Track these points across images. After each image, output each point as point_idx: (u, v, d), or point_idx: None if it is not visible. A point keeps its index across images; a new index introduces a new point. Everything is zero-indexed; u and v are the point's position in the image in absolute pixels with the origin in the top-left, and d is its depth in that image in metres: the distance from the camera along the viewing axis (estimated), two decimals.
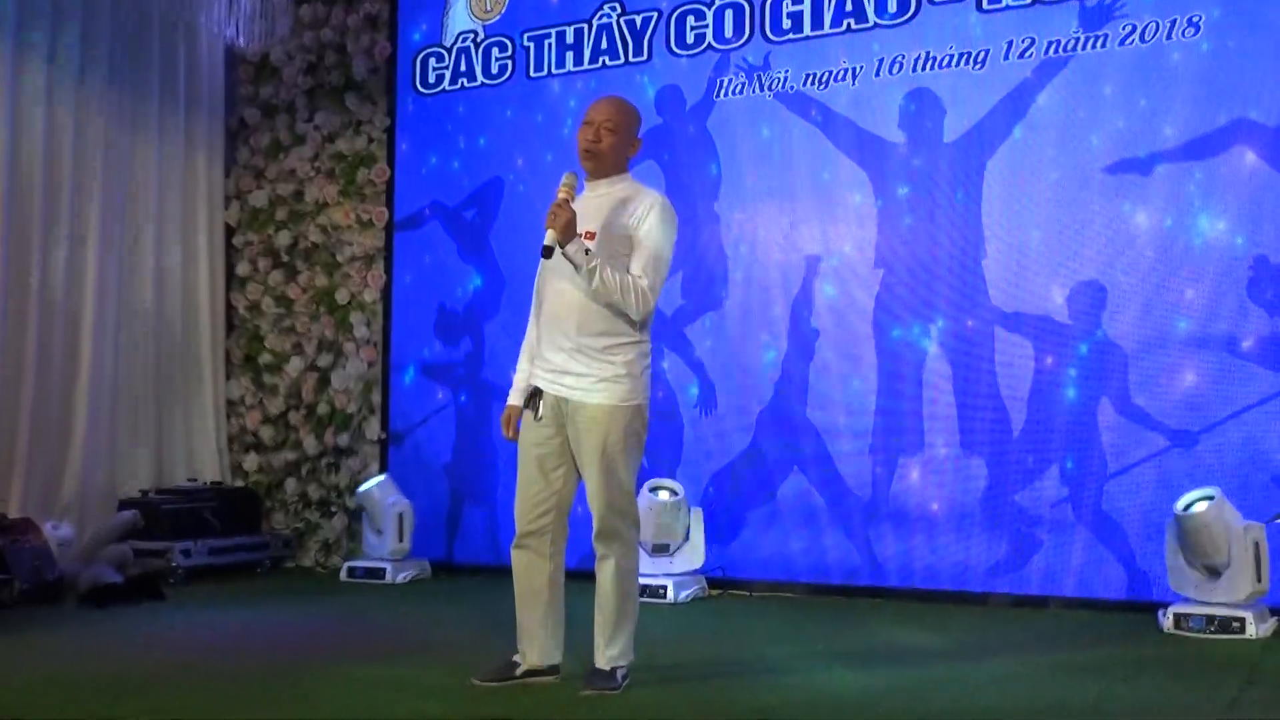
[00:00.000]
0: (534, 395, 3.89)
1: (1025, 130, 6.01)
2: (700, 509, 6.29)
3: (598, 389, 3.78)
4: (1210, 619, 4.96)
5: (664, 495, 6.08)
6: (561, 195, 3.74)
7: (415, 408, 7.45)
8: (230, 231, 7.96)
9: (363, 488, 6.89)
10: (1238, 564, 4.98)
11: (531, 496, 3.88)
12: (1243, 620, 4.91)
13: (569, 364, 3.80)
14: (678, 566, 6.14)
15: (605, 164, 3.88)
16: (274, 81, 7.89)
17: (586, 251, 3.71)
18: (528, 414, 3.90)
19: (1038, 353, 5.91)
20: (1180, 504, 5.09)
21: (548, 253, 3.71)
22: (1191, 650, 4.68)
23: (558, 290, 3.85)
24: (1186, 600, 5.09)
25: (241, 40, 7.47)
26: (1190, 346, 5.62)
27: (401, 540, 6.78)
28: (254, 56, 7.92)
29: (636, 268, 3.80)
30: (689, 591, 6.06)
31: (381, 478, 6.96)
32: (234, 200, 7.95)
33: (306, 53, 7.80)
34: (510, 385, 4.04)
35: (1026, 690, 3.94)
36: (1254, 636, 4.87)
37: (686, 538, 6.20)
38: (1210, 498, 5.05)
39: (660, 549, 6.13)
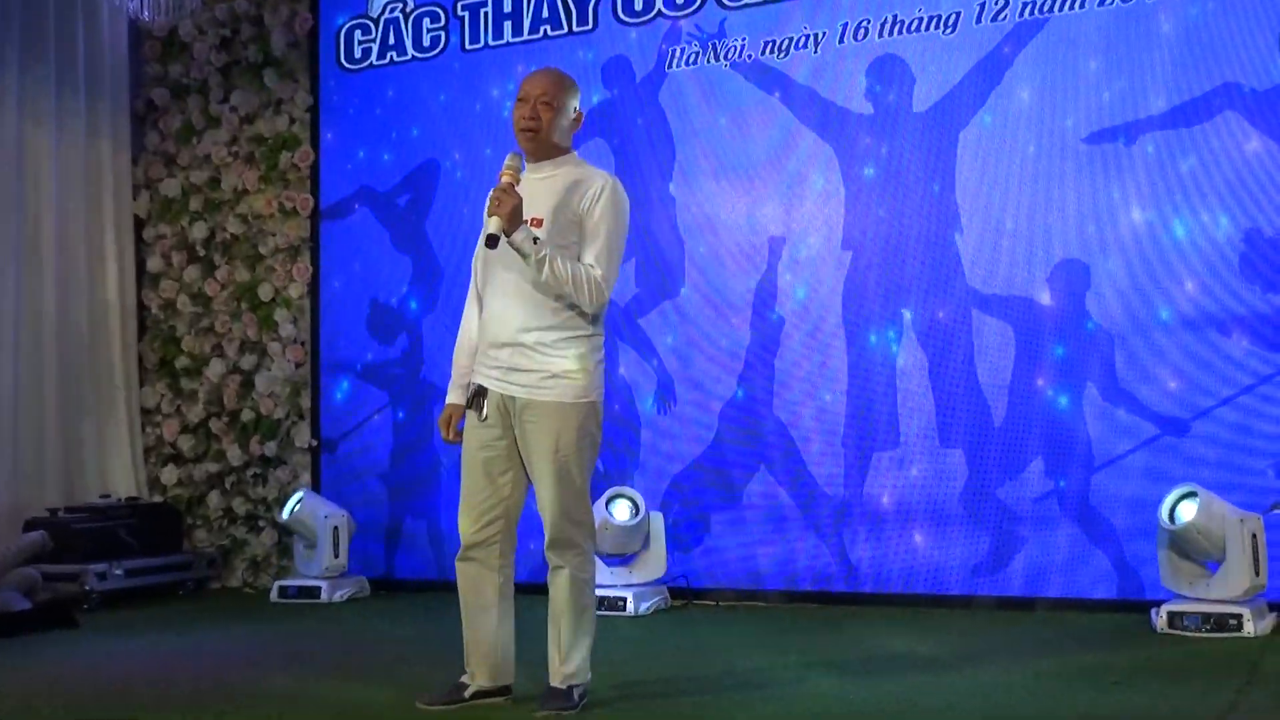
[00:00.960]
0: (478, 394, 3.89)
1: (1000, 99, 6.08)
2: (660, 514, 6.33)
3: (547, 386, 3.79)
4: (1206, 617, 5.05)
5: (621, 514, 6.07)
6: (505, 179, 3.74)
7: (348, 412, 7.44)
8: (140, 224, 7.90)
9: (288, 514, 6.84)
10: (1235, 558, 5.08)
11: (477, 504, 3.89)
12: (1240, 617, 5.00)
13: (515, 360, 3.81)
14: (637, 577, 6.18)
15: (546, 143, 3.89)
16: (184, 59, 7.84)
17: (535, 240, 3.73)
18: (471, 415, 3.91)
19: (1018, 338, 6.00)
20: (1164, 509, 5.18)
21: (492, 242, 3.71)
22: (1187, 650, 4.77)
23: (502, 280, 3.86)
24: (1181, 598, 5.19)
25: (146, 14, 7.40)
26: (1180, 327, 5.71)
27: (338, 556, 6.78)
28: (160, 32, 7.86)
29: (589, 257, 3.81)
30: (651, 603, 6.10)
31: (301, 495, 6.90)
32: (143, 190, 7.89)
33: (219, 27, 7.76)
34: (446, 387, 4.05)
35: (1012, 698, 4.00)
36: (1252, 634, 4.97)
37: (645, 546, 6.23)
38: (1191, 495, 5.14)
39: (616, 556, 6.17)
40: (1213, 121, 5.69)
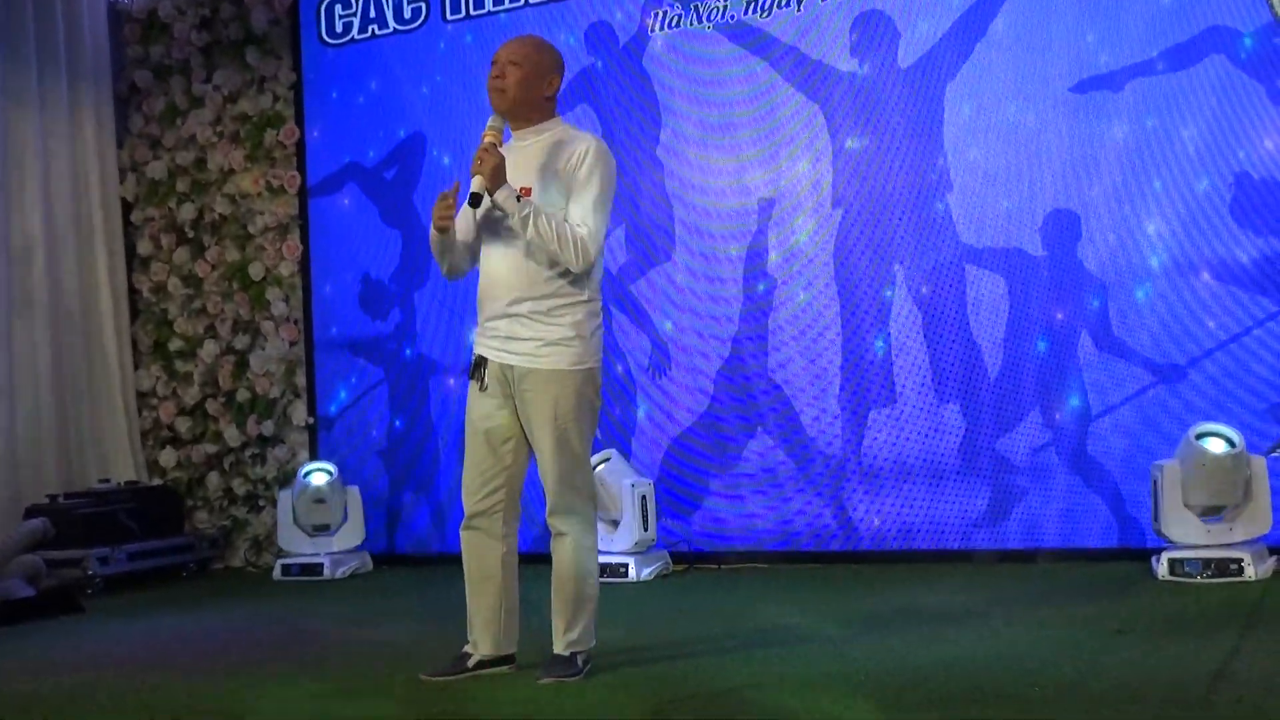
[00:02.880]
0: (478, 364, 3.89)
1: (986, 50, 6.05)
2: (651, 481, 6.25)
3: (545, 354, 3.78)
4: (1207, 563, 5.06)
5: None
6: (488, 139, 3.73)
7: (344, 388, 7.42)
8: (128, 207, 7.86)
9: (313, 495, 6.82)
10: (1256, 500, 5.11)
11: (480, 474, 3.88)
12: (1240, 562, 5.01)
13: (513, 329, 3.80)
14: (619, 544, 6.08)
15: (517, 103, 3.85)
16: (165, 40, 7.78)
17: (518, 199, 3.70)
18: (473, 385, 3.91)
19: (1011, 290, 5.98)
20: (1194, 432, 5.15)
21: (475, 201, 3.69)
22: (1188, 597, 4.78)
23: (494, 250, 3.84)
24: (1181, 545, 5.18)
25: None
26: (1173, 273, 5.70)
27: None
28: (140, 13, 7.82)
29: (575, 216, 3.78)
30: (652, 568, 6.09)
31: (322, 476, 6.87)
32: (129, 173, 7.85)
33: (199, 6, 7.69)
34: (442, 361, 4.04)
35: (1016, 649, 3.99)
36: (1253, 578, 4.98)
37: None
38: (1220, 435, 5.12)
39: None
40: (1200, 65, 5.66)
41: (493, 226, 3.82)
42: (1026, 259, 5.95)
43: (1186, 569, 5.08)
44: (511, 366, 3.82)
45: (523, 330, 3.80)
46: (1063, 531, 5.86)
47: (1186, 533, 5.17)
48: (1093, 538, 5.80)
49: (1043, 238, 5.93)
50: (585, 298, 3.84)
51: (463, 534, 3.94)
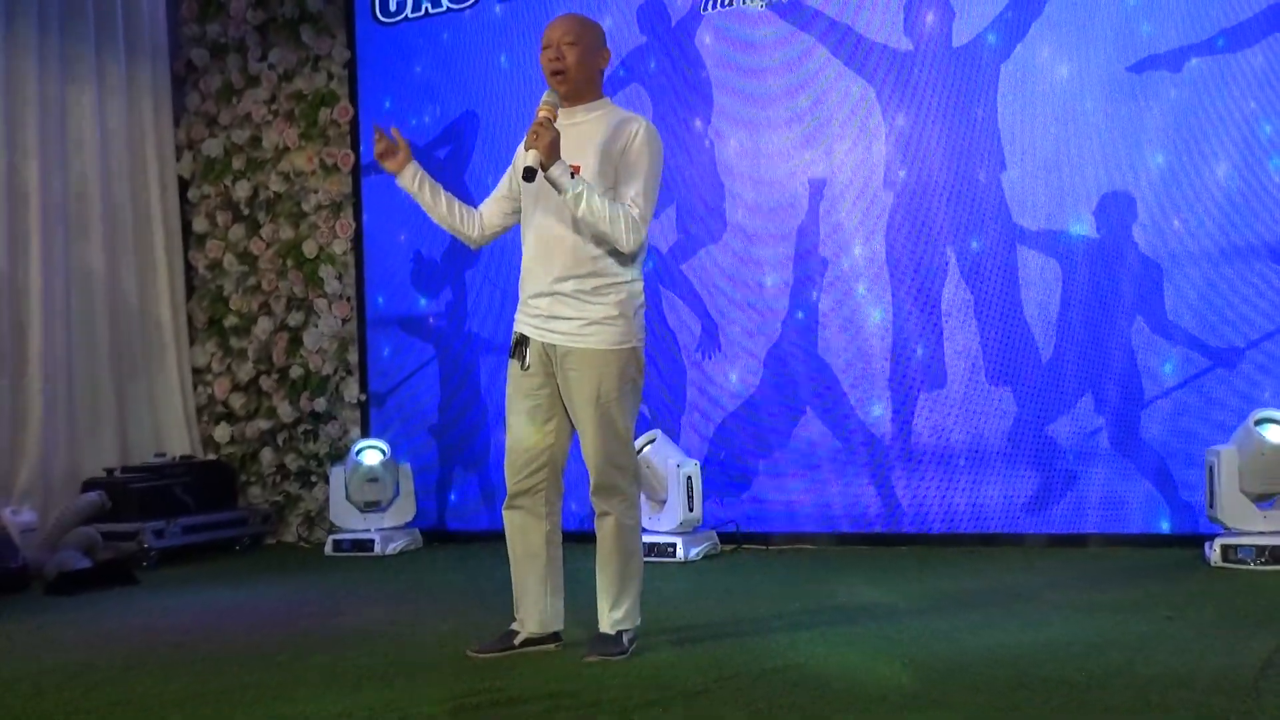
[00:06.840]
0: (520, 343, 3.90)
1: (1042, 29, 5.98)
2: (698, 462, 6.23)
3: (588, 333, 3.79)
4: (1260, 549, 5.01)
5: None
6: (543, 114, 3.72)
7: (395, 366, 7.47)
8: (184, 185, 7.94)
9: (365, 474, 6.88)
10: None
11: (523, 452, 3.90)
12: None
13: (556, 308, 3.81)
14: (664, 524, 6.09)
15: (577, 83, 3.86)
16: (221, 18, 7.85)
17: (572, 175, 3.70)
18: (513, 364, 3.92)
19: (1065, 272, 5.93)
20: (1254, 418, 5.08)
21: (529, 175, 3.68)
22: (1241, 583, 4.73)
23: (540, 227, 3.85)
24: (1234, 531, 5.13)
25: None
26: (1231, 256, 5.62)
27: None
28: None
29: (627, 196, 3.79)
30: (700, 548, 6.10)
31: (375, 455, 6.94)
32: (186, 151, 7.92)
33: None
34: (492, 339, 4.05)
35: (1065, 633, 3.97)
36: None
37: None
38: (1271, 420, 5.05)
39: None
40: (1260, 45, 5.58)
41: (540, 203, 3.82)
42: (1079, 241, 5.89)
43: (1240, 555, 5.03)
44: (554, 345, 3.83)
45: (565, 309, 3.80)
46: (1113, 516, 5.81)
47: (1241, 519, 5.11)
48: (1144, 523, 5.75)
49: (1096, 219, 5.86)
50: (629, 278, 3.84)
51: (506, 513, 3.96)
